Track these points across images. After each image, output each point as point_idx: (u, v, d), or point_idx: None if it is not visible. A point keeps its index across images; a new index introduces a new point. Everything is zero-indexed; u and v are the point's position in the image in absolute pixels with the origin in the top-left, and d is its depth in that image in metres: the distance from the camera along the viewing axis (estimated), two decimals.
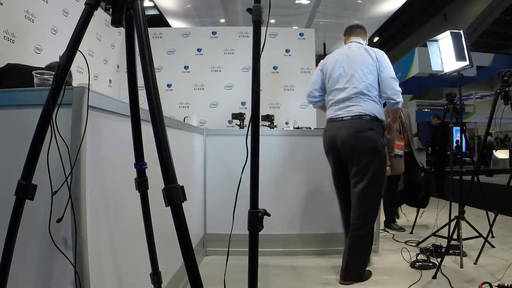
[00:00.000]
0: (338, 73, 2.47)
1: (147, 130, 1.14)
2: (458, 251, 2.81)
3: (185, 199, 0.98)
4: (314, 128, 4.15)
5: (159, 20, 8.13)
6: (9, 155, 1.11)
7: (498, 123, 2.85)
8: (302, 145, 3.11)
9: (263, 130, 3.45)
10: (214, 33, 5.13)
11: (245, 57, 4.82)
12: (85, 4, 1.04)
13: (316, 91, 2.63)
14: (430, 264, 2.65)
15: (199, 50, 5.04)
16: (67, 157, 1.03)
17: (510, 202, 3.21)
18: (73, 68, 1.04)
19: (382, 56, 2.46)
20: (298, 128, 4.13)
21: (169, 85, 4.95)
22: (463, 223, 2.92)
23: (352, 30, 2.67)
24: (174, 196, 0.96)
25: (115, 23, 1.09)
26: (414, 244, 3.29)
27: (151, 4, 7.54)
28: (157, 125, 0.99)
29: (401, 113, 3.67)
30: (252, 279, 1.11)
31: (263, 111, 3.14)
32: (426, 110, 12.30)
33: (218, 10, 7.76)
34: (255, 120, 1.13)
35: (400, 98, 2.43)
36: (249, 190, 1.16)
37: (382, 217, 3.23)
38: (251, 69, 1.13)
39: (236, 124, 4.43)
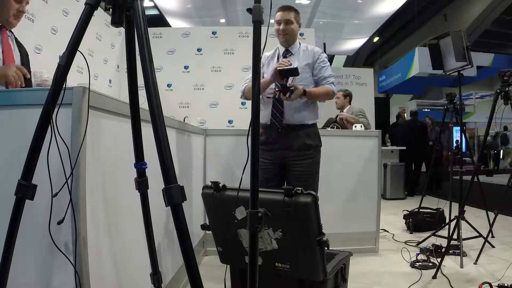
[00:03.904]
0: None
1: (147, 130, 1.14)
2: (458, 251, 2.81)
3: (185, 199, 0.98)
4: None
5: (159, 20, 8.13)
6: (9, 155, 1.11)
7: (498, 123, 2.85)
8: None
9: None
10: (214, 33, 5.12)
11: (245, 57, 4.80)
12: (85, 4, 1.04)
13: None
14: (430, 264, 2.65)
15: (199, 50, 5.03)
16: (67, 157, 1.03)
17: (510, 202, 3.21)
18: (73, 68, 1.03)
19: None
20: None
21: (169, 85, 4.95)
22: (463, 223, 2.92)
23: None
24: (174, 196, 0.96)
25: (115, 23, 1.09)
26: (414, 244, 3.30)
27: (151, 4, 7.54)
28: (157, 125, 0.99)
29: None
30: (252, 279, 1.11)
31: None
32: (426, 110, 12.31)
33: (218, 10, 7.76)
34: (255, 120, 1.12)
35: None
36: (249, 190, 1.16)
37: (381, 217, 3.23)
38: (251, 69, 1.12)
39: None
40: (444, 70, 3.32)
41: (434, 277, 2.43)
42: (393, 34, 13.11)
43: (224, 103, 4.95)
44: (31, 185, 0.98)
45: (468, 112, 12.75)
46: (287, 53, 2.36)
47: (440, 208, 3.82)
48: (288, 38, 2.33)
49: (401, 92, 12.46)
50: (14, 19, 1.80)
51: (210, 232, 1.90)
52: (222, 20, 8.35)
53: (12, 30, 1.89)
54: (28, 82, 1.65)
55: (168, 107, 4.48)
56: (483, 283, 2.13)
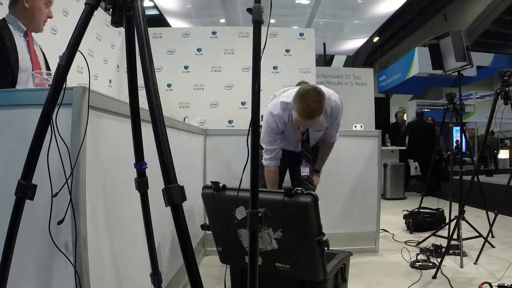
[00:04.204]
0: None
1: (147, 130, 1.14)
2: (458, 251, 2.81)
3: (185, 199, 0.98)
4: None
5: (159, 20, 8.13)
6: (9, 155, 1.11)
7: (498, 123, 2.85)
8: None
9: None
10: (214, 33, 5.12)
11: (245, 57, 4.81)
12: (85, 4, 1.04)
13: None
14: (430, 264, 2.65)
15: (199, 50, 5.03)
16: (67, 157, 1.03)
17: (510, 202, 3.21)
18: (73, 68, 1.03)
19: None
20: None
21: (169, 85, 4.95)
22: (463, 223, 2.92)
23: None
24: (174, 196, 0.96)
25: (115, 23, 1.09)
26: (414, 244, 3.30)
27: (151, 4, 7.53)
28: (157, 125, 0.99)
29: None
30: (252, 279, 1.11)
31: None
32: (426, 110, 12.31)
33: (218, 10, 7.76)
34: (255, 120, 1.12)
35: None
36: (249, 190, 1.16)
37: (381, 217, 3.23)
38: (251, 69, 1.12)
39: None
40: (444, 70, 3.32)
41: (434, 277, 2.43)
42: (393, 34, 13.12)
43: (224, 103, 4.95)
44: (31, 185, 0.98)
45: (468, 112, 12.73)
46: None
47: (440, 208, 3.82)
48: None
49: (401, 92, 12.46)
50: (43, 25, 1.83)
51: (210, 232, 1.90)
52: (222, 20, 8.35)
53: None
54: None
55: (168, 107, 4.49)
56: (483, 283, 2.13)
